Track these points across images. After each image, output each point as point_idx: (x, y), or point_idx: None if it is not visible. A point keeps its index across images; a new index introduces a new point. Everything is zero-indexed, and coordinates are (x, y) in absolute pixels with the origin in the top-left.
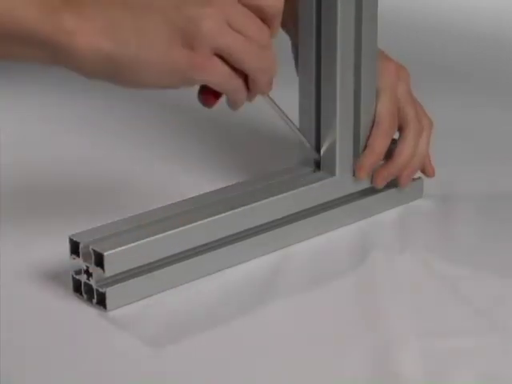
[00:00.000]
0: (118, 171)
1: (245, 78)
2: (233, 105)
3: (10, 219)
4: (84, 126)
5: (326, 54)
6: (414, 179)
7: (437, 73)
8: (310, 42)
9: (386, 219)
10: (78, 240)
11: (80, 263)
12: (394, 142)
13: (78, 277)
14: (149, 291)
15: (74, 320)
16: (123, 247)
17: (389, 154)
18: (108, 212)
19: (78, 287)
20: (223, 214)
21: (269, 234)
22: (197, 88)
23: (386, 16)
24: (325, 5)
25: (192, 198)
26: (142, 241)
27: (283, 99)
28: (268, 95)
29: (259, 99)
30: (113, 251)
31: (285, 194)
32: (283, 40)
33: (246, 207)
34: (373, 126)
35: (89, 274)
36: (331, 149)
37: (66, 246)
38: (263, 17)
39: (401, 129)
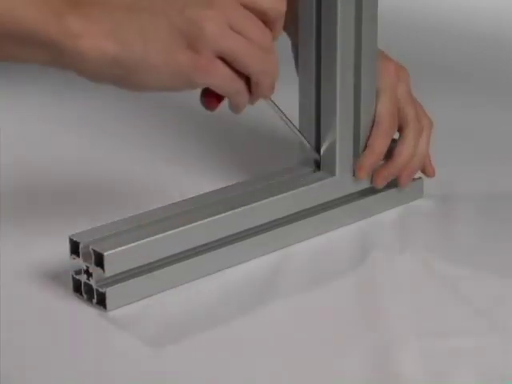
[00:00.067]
0: (117, 171)
1: (247, 81)
2: (235, 108)
3: (9, 219)
4: (84, 126)
5: (325, 53)
6: (414, 179)
7: (437, 73)
8: (310, 42)
9: (386, 219)
10: (78, 240)
11: (80, 263)
12: (394, 141)
13: (78, 277)
14: (149, 291)
15: (74, 320)
16: (123, 247)
17: (389, 154)
18: (108, 212)
19: (78, 287)
20: (223, 214)
21: (269, 234)
22: (198, 89)
23: (386, 16)
24: (325, 5)
25: (192, 198)
26: (142, 241)
27: (283, 99)
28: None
29: (259, 99)
30: (113, 251)
31: (285, 194)
32: (283, 40)
33: (245, 207)
34: (373, 126)
35: (89, 274)
36: (331, 149)
37: (66, 246)
38: (265, 20)
39: (401, 129)
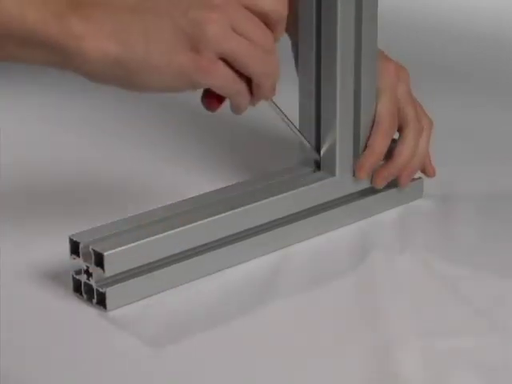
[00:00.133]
0: (117, 171)
1: (248, 82)
2: (236, 109)
3: (9, 219)
4: (83, 126)
5: (325, 54)
6: (414, 179)
7: (437, 73)
8: (310, 41)
9: (386, 219)
10: (78, 240)
11: (80, 263)
12: (394, 141)
13: (78, 277)
14: (149, 291)
15: (74, 320)
16: (123, 247)
17: (389, 154)
18: (108, 212)
19: (78, 287)
20: (223, 214)
21: (269, 234)
22: (199, 89)
23: (386, 16)
24: (325, 5)
25: (192, 198)
26: (142, 241)
27: (283, 99)
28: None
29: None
30: (113, 251)
31: (285, 194)
32: (283, 40)
33: (245, 207)
34: (373, 126)
35: (89, 274)
36: (331, 149)
37: (66, 246)
38: (267, 21)
39: (401, 129)
